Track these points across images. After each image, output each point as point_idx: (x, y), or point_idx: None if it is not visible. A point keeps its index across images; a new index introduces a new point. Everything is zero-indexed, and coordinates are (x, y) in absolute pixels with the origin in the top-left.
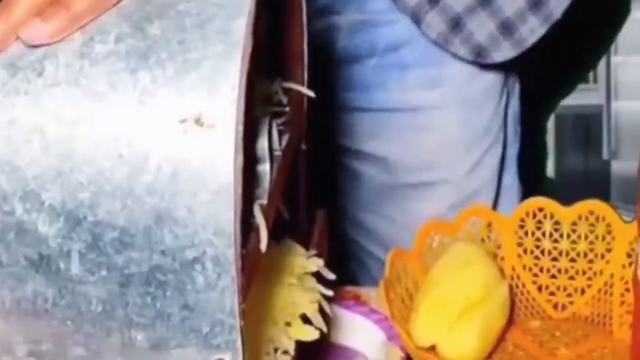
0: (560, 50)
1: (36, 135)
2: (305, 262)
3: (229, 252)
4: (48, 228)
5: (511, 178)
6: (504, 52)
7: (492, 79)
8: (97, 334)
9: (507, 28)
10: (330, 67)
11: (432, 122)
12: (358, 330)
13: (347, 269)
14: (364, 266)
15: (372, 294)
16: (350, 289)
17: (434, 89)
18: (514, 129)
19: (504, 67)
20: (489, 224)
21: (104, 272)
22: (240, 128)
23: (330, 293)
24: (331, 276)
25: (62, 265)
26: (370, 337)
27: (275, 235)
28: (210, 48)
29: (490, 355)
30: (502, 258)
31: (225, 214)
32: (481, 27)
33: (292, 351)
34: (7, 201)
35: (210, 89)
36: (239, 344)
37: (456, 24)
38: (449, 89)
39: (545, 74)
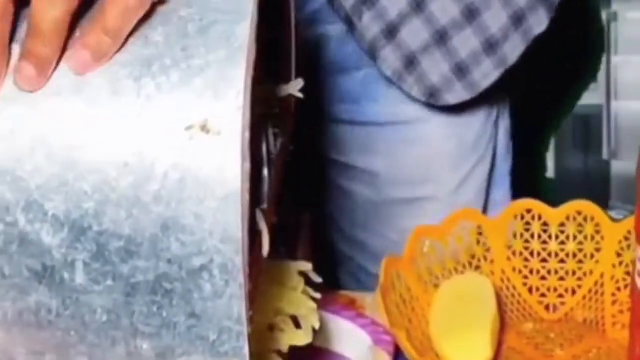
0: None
1: (39, 145)
2: (296, 265)
3: (237, 259)
4: (52, 238)
5: (503, 194)
6: (457, 94)
7: (480, 96)
8: (102, 344)
9: (461, 70)
10: (320, 77)
11: (420, 136)
12: (344, 335)
13: (340, 283)
14: (357, 281)
15: (368, 300)
16: (344, 293)
17: (421, 103)
18: (506, 145)
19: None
20: (478, 227)
21: (109, 282)
22: (247, 134)
23: (318, 296)
24: (318, 279)
25: (66, 275)
26: (357, 341)
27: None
28: (214, 54)
29: None
30: (492, 261)
31: (233, 220)
32: (435, 68)
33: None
34: (9, 212)
35: (215, 95)
36: (246, 351)
37: (411, 62)
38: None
39: (539, 92)
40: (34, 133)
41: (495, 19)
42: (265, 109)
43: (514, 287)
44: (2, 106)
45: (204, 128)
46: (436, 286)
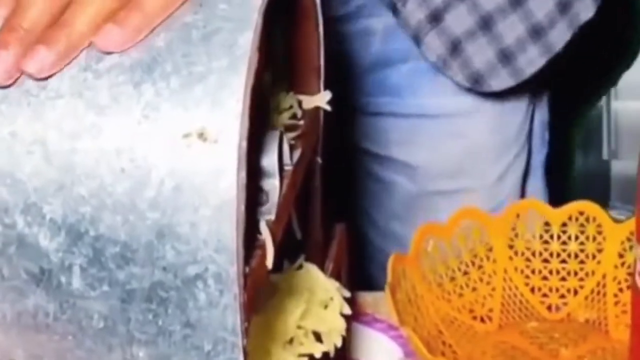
0: (587, 58)
1: (38, 148)
2: (323, 282)
3: (231, 269)
4: (49, 242)
5: (538, 185)
6: (502, 80)
7: (523, 85)
8: (99, 350)
9: (506, 56)
10: (363, 71)
11: (463, 128)
12: (375, 346)
13: (372, 278)
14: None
15: (369, 299)
16: None
17: (465, 95)
18: (542, 136)
19: (534, 74)
20: (481, 226)
21: (105, 288)
22: (244, 143)
23: (349, 312)
24: (346, 294)
25: (63, 279)
26: (388, 353)
27: (288, 254)
28: (216, 61)
29: (491, 358)
30: (494, 260)
31: (227, 230)
32: (480, 54)
33: None
34: (8, 214)
35: (214, 103)
36: None
37: (455, 47)
38: (480, 95)
39: (574, 81)
40: (33, 136)
41: (541, 6)
42: (285, 119)
43: (516, 287)
44: (3, 108)
45: (201, 136)
46: (440, 285)
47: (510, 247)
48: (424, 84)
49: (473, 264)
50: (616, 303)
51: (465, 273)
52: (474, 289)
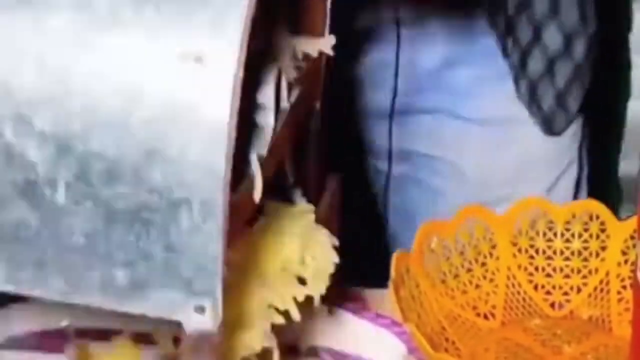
0: None
1: (34, 59)
2: (314, 228)
3: (218, 196)
4: (37, 153)
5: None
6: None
7: None
8: (78, 268)
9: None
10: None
11: (518, 136)
12: (379, 343)
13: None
14: None
15: (375, 296)
16: (350, 289)
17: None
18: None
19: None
20: (485, 224)
21: (89, 205)
22: (240, 72)
23: (336, 260)
24: (335, 242)
25: (47, 192)
26: (391, 349)
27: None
28: None
29: (495, 355)
30: (498, 258)
31: (216, 156)
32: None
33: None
34: None
35: (214, 29)
36: (219, 292)
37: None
38: None
39: None
40: (29, 48)
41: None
42: (286, 60)
43: (519, 284)
44: (3, 19)
45: (199, 59)
46: (443, 282)
47: (514, 244)
48: (489, 89)
49: (476, 261)
50: (619, 300)
51: (469, 270)
52: (478, 286)
